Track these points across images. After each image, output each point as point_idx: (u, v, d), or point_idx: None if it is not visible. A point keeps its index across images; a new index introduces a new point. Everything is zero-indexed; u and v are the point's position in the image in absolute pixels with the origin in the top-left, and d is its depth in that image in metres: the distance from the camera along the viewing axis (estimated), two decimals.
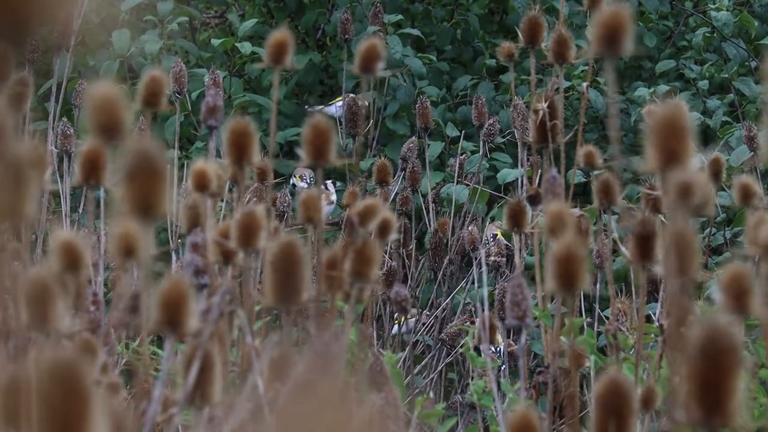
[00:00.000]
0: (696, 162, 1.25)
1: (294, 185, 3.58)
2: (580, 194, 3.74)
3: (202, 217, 1.74)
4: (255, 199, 2.66)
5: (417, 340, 3.16)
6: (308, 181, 3.55)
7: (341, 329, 1.27)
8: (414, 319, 3.16)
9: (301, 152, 1.51)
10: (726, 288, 1.23)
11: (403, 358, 2.94)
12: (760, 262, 1.44)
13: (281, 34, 1.63)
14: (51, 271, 1.27)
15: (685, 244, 1.21)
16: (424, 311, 3.23)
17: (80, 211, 3.24)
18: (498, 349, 2.46)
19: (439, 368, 3.08)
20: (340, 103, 3.85)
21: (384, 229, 1.54)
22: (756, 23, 4.28)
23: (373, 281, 1.49)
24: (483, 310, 2.13)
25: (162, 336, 1.30)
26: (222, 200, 2.45)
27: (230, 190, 2.58)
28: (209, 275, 1.66)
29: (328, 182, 3.56)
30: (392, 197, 3.37)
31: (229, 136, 1.55)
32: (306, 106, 4.10)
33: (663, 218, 1.93)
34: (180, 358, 1.38)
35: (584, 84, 2.42)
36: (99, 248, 2.29)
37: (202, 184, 1.65)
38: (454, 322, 3.10)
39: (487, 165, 3.73)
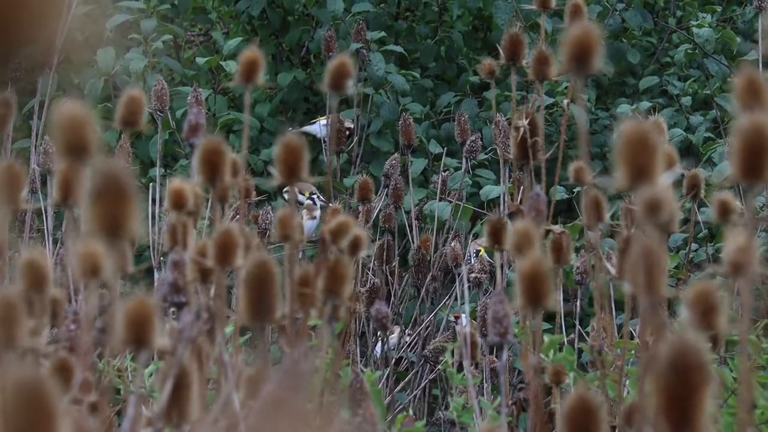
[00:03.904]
0: (669, 177, 1.25)
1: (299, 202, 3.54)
2: (564, 210, 3.75)
3: (182, 235, 1.73)
4: (237, 216, 2.66)
5: (400, 357, 3.16)
6: (314, 197, 3.52)
7: (312, 347, 1.28)
8: (396, 336, 3.16)
9: (274, 171, 1.51)
10: (692, 305, 1.23)
11: (385, 375, 2.94)
12: (732, 279, 1.44)
13: (252, 52, 1.64)
14: (17, 290, 1.27)
15: (653, 260, 1.21)
16: (407, 328, 3.23)
17: (63, 229, 3.23)
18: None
19: (423, 385, 3.07)
20: (324, 121, 3.85)
21: (355, 246, 1.54)
22: (738, 39, 4.29)
23: (346, 298, 1.49)
24: (464, 326, 2.13)
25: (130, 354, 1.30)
26: (205, 218, 2.46)
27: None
28: (187, 293, 1.66)
29: (314, 196, 3.54)
30: (375, 214, 3.37)
31: (201, 155, 1.55)
32: (290, 127, 4.11)
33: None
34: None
35: (565, 100, 2.43)
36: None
37: (178, 202, 1.65)
38: (437, 339, 3.10)
39: (470, 182, 3.73)
